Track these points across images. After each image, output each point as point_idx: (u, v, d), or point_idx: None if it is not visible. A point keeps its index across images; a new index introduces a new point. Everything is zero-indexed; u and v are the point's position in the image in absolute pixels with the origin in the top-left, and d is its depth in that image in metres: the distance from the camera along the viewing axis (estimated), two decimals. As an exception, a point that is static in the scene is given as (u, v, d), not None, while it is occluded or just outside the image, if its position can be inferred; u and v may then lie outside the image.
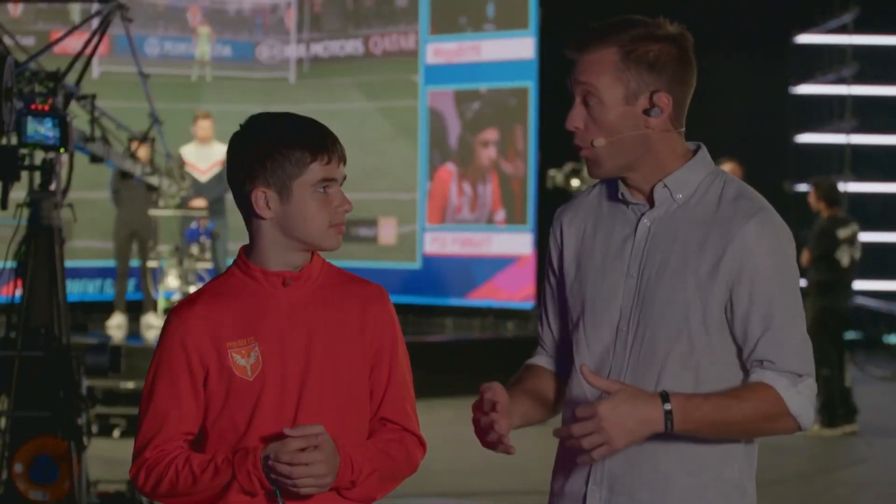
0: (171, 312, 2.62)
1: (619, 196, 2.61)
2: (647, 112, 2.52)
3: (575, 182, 10.69)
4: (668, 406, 2.41)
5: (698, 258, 2.51)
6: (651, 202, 2.58)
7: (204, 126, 12.16)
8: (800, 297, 2.56)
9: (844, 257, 9.98)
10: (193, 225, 11.65)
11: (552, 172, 11.11)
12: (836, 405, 9.81)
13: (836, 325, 9.96)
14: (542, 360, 2.77)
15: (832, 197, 10.15)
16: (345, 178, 2.61)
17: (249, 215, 2.59)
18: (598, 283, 2.59)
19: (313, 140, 2.55)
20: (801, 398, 2.49)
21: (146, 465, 2.57)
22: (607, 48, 2.52)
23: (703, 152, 2.61)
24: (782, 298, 2.51)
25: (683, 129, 2.60)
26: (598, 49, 2.52)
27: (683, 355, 2.51)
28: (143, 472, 2.57)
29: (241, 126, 2.62)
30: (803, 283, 10.54)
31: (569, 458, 2.61)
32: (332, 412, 2.56)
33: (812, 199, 10.23)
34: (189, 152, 11.91)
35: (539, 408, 2.70)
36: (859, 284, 12.07)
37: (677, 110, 2.56)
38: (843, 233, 9.99)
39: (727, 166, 9.72)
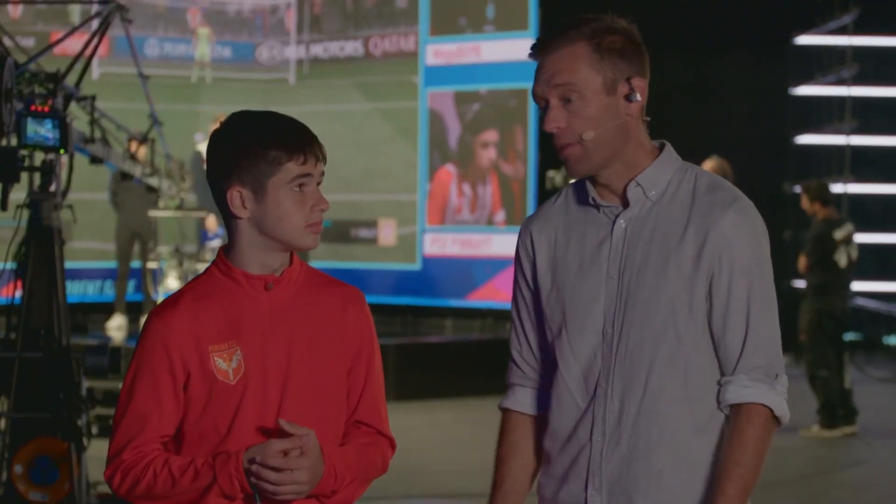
0: (153, 314, 2.59)
1: (591, 200, 2.60)
2: (628, 97, 2.53)
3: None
4: None
5: (679, 252, 2.52)
6: (624, 202, 2.58)
7: None
8: (773, 287, 2.58)
9: (842, 258, 9.94)
10: (205, 229, 11.79)
11: (551, 174, 11.11)
12: (835, 406, 9.79)
13: (833, 327, 9.94)
14: (519, 399, 2.73)
15: (824, 197, 10.10)
16: (323, 174, 2.58)
17: (227, 215, 2.58)
18: (577, 288, 2.59)
19: (289, 139, 2.53)
20: (778, 398, 2.54)
21: (123, 467, 2.54)
22: (576, 43, 2.53)
23: (669, 149, 2.62)
24: (759, 290, 2.54)
25: (648, 119, 2.61)
26: (566, 45, 2.53)
27: (672, 350, 2.52)
28: (120, 474, 2.54)
29: (220, 124, 2.61)
30: (801, 284, 10.53)
31: (562, 464, 2.61)
32: (313, 415, 2.55)
33: (805, 203, 10.18)
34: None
35: (526, 487, 2.72)
36: (859, 285, 12.06)
37: (644, 99, 2.58)
38: (839, 234, 9.95)
39: (709, 163, 9.72)
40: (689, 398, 2.53)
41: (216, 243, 11.68)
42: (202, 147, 11.85)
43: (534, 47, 2.58)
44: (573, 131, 2.54)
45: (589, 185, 2.61)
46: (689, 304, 2.51)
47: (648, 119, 2.61)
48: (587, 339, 2.57)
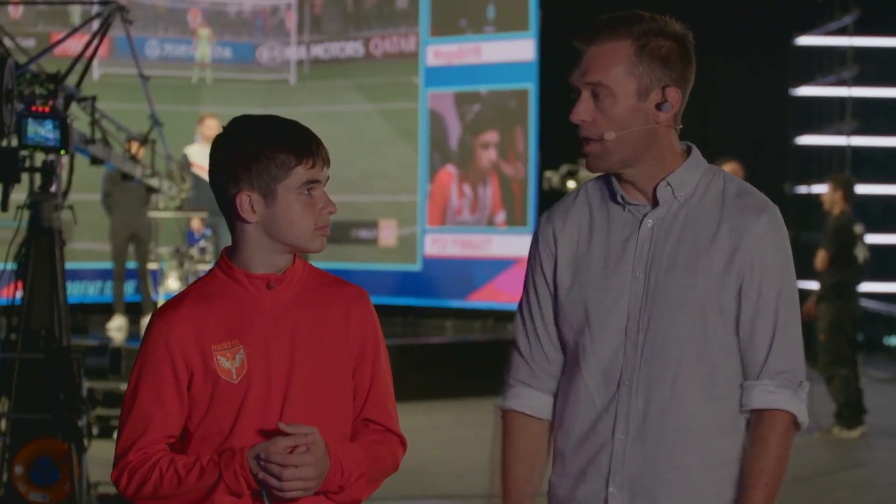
0: (155, 315, 2.60)
1: (619, 198, 2.60)
2: (658, 106, 2.53)
3: (571, 184, 10.64)
4: None
5: (710, 253, 2.53)
6: (652, 202, 2.58)
7: (211, 125, 12.15)
8: (797, 293, 2.60)
9: (861, 254, 9.85)
10: (191, 230, 11.75)
11: (548, 174, 11.10)
12: (855, 406, 9.72)
13: (853, 327, 9.86)
14: (524, 401, 2.69)
15: (849, 191, 9.96)
16: (328, 178, 2.60)
17: (234, 219, 2.58)
18: (601, 286, 2.58)
19: (297, 143, 2.54)
20: (801, 404, 2.56)
21: (129, 468, 2.55)
22: (620, 40, 2.52)
23: (697, 152, 2.63)
24: (787, 295, 2.56)
25: (681, 126, 2.61)
26: (610, 41, 2.52)
27: (699, 351, 2.52)
28: (126, 475, 2.56)
29: (223, 129, 2.61)
30: (803, 285, 10.47)
31: (577, 462, 2.60)
32: (317, 413, 2.56)
33: (828, 194, 9.95)
34: (195, 153, 11.83)
35: (535, 492, 2.70)
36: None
37: (680, 108, 2.58)
38: (858, 228, 9.86)
39: (729, 166, 9.65)
40: (714, 398, 2.54)
41: (202, 244, 11.62)
42: (189, 150, 11.79)
43: (579, 34, 2.56)
44: (596, 128, 2.54)
45: (615, 182, 2.60)
46: (719, 305, 2.52)
47: (681, 126, 2.60)
48: (609, 337, 2.57)
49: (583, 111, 2.54)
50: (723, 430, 2.55)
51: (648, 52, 2.50)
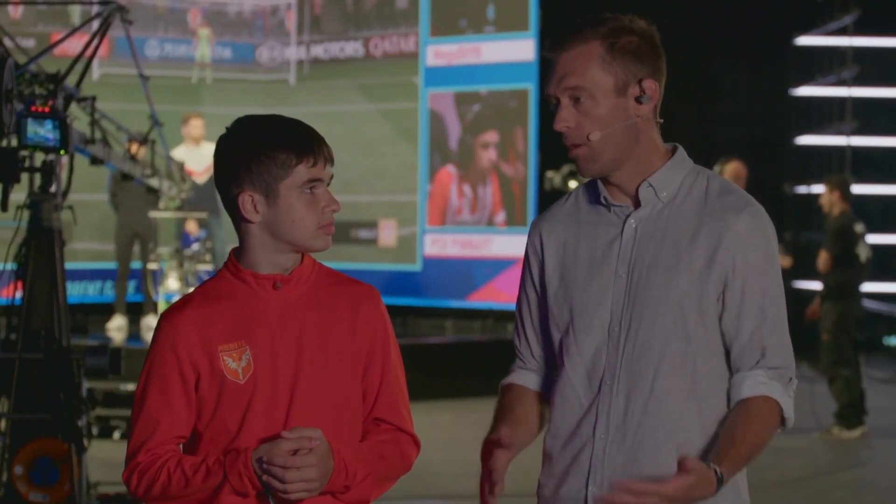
0: (162, 317, 2.62)
1: (602, 200, 2.62)
2: (638, 99, 2.54)
3: (573, 184, 10.63)
4: (720, 477, 2.41)
5: (691, 252, 2.53)
6: (635, 203, 2.59)
7: (197, 125, 12.15)
8: (783, 290, 2.60)
9: (863, 252, 9.84)
10: (186, 231, 11.76)
11: (550, 174, 11.10)
12: (857, 407, 9.72)
13: (855, 327, 9.86)
14: (521, 377, 2.76)
15: (845, 191, 9.96)
16: (331, 177, 2.61)
17: (237, 219, 2.59)
18: (585, 287, 2.60)
19: (298, 142, 2.55)
20: (790, 400, 2.56)
21: (138, 469, 2.57)
22: (590, 42, 2.54)
23: (682, 152, 2.64)
24: (773, 292, 2.55)
25: (661, 121, 2.62)
26: (580, 44, 2.54)
27: (680, 351, 2.53)
28: (136, 475, 2.58)
29: (226, 129, 2.61)
30: (802, 285, 10.46)
31: (563, 461, 2.61)
32: (324, 414, 2.57)
33: (825, 195, 9.95)
34: (182, 154, 11.79)
35: (529, 433, 2.72)
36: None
37: (658, 100, 2.59)
38: (859, 227, 9.86)
39: (731, 166, 9.65)
40: (696, 398, 2.54)
41: (195, 247, 11.59)
42: (174, 152, 11.75)
43: (549, 44, 2.58)
44: (581, 131, 2.55)
45: (600, 184, 2.62)
46: (698, 304, 2.52)
47: (661, 121, 2.62)
48: (593, 337, 2.58)
49: (566, 117, 2.55)
50: (705, 429, 2.54)
51: (619, 48, 2.53)
